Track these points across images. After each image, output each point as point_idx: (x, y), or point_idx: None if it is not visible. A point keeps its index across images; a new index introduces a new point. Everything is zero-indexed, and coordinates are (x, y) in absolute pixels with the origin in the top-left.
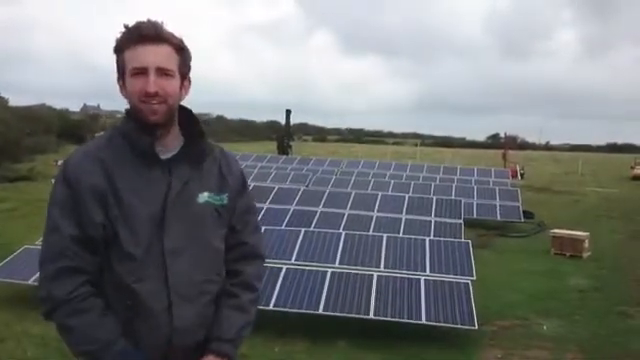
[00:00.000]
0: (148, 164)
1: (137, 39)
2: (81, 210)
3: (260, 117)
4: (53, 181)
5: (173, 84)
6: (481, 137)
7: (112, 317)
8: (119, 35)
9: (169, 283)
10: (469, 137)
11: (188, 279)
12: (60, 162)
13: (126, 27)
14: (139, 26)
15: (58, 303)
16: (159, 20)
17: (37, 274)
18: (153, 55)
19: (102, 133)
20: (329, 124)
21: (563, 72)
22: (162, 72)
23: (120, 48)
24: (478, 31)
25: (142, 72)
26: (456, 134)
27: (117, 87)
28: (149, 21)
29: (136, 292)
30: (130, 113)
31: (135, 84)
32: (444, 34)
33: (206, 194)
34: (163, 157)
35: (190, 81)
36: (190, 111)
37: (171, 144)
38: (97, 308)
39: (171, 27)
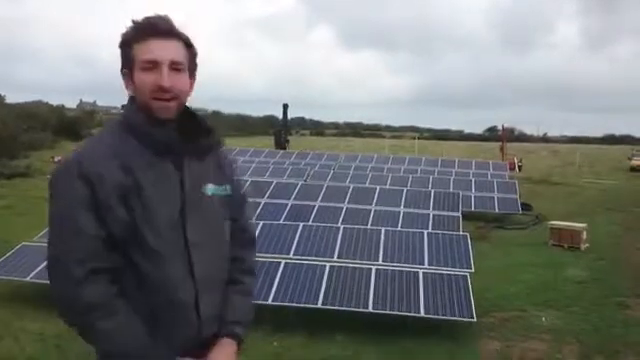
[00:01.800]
0: (162, 158)
1: (149, 33)
2: (106, 209)
3: (259, 112)
4: (55, 178)
5: (184, 80)
6: (480, 130)
7: (136, 316)
8: (127, 29)
9: (195, 275)
10: (468, 130)
11: (209, 270)
12: (58, 159)
13: (134, 22)
14: (150, 20)
15: (91, 307)
16: (167, 15)
17: (35, 271)
18: (166, 49)
19: (106, 127)
20: (327, 118)
21: (564, 65)
22: (174, 66)
23: (128, 41)
24: (479, 24)
25: (154, 66)
26: (455, 127)
27: (121, 82)
28: (159, 16)
29: (165, 287)
30: (137, 108)
31: (146, 78)
32: (445, 27)
33: (211, 186)
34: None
35: (195, 79)
36: (188, 107)
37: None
38: (124, 309)
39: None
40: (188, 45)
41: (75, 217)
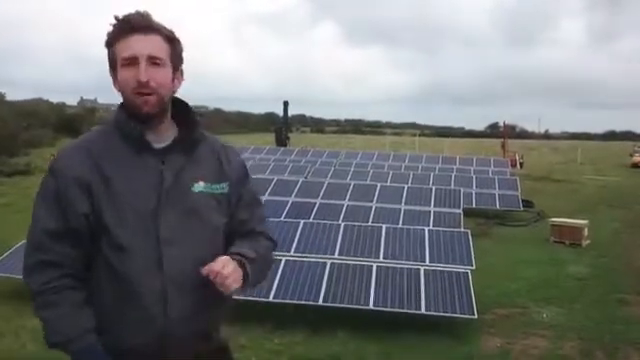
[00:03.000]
0: (140, 153)
1: (127, 30)
2: (64, 201)
3: (260, 110)
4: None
5: (164, 74)
6: (481, 127)
7: (87, 311)
8: (110, 28)
9: (164, 272)
10: (469, 127)
11: (183, 268)
12: None
13: (116, 19)
14: (128, 17)
15: (33, 295)
16: (147, 11)
17: None
18: (143, 44)
19: (100, 124)
20: (328, 115)
21: (566, 61)
22: (152, 61)
23: (111, 41)
24: (482, 21)
25: (132, 62)
26: (457, 124)
27: (110, 81)
28: (137, 12)
29: (130, 281)
30: (123, 106)
31: (126, 74)
32: (448, 24)
33: (201, 183)
34: (157, 146)
35: (183, 73)
36: (186, 104)
37: (165, 134)
38: (70, 301)
39: (172, 19)
40: (170, 39)
41: (37, 210)
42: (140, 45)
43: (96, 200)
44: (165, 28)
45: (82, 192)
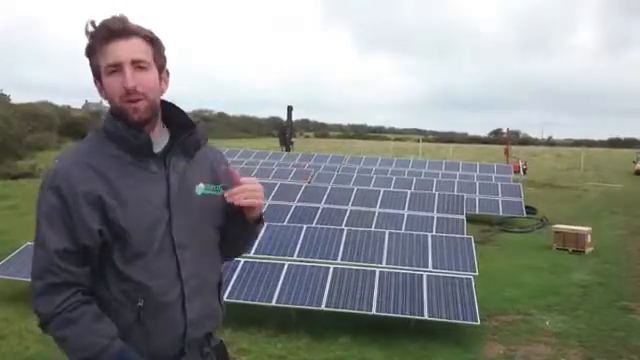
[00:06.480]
0: (143, 160)
1: (106, 37)
2: (74, 219)
3: (264, 114)
4: (39, 189)
5: (150, 77)
6: (484, 132)
7: (107, 320)
8: (87, 36)
9: (182, 277)
10: (472, 133)
11: (196, 271)
12: None
13: (92, 26)
14: (105, 23)
15: (49, 318)
16: (122, 14)
17: None
18: (125, 49)
19: (88, 135)
20: (333, 120)
21: (572, 69)
22: (137, 65)
23: (92, 49)
24: (489, 28)
25: (117, 69)
26: (461, 130)
27: (96, 90)
28: (114, 17)
29: (150, 289)
30: (114, 114)
31: (113, 83)
32: (455, 30)
33: (202, 185)
34: (156, 151)
35: (168, 73)
36: (174, 105)
37: (158, 138)
38: (89, 314)
39: (177, 21)
40: (150, 40)
41: (41, 230)
42: (122, 50)
43: (110, 213)
44: (143, 29)
45: (94, 207)
